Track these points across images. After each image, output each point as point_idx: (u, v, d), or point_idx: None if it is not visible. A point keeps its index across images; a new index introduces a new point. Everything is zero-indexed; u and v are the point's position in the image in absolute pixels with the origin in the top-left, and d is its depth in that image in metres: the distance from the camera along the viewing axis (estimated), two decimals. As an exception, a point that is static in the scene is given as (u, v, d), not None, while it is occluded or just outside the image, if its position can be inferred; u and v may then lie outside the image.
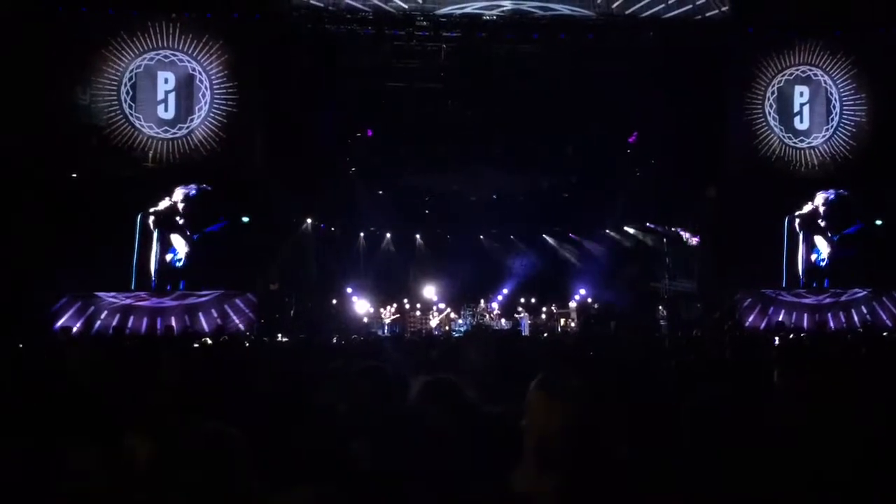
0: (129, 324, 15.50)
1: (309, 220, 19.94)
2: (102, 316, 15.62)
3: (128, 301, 15.88)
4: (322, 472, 2.54)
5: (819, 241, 17.67)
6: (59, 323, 15.14)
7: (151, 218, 15.92)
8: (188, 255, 16.16)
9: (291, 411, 3.24)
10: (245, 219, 16.25)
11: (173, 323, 15.68)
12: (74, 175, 15.73)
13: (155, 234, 15.98)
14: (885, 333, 14.17)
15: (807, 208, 17.58)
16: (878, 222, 17.44)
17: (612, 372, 4.95)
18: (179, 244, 16.17)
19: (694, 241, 19.43)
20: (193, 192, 16.12)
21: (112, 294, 15.85)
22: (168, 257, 16.14)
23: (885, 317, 17.36)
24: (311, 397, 3.66)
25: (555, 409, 2.52)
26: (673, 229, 20.07)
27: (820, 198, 17.58)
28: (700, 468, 2.67)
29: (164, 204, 16.02)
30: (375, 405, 3.12)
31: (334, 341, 14.22)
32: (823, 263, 17.67)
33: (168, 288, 16.16)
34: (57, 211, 15.13)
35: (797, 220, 17.49)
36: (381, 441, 2.52)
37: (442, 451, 2.28)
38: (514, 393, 3.21)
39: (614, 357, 7.41)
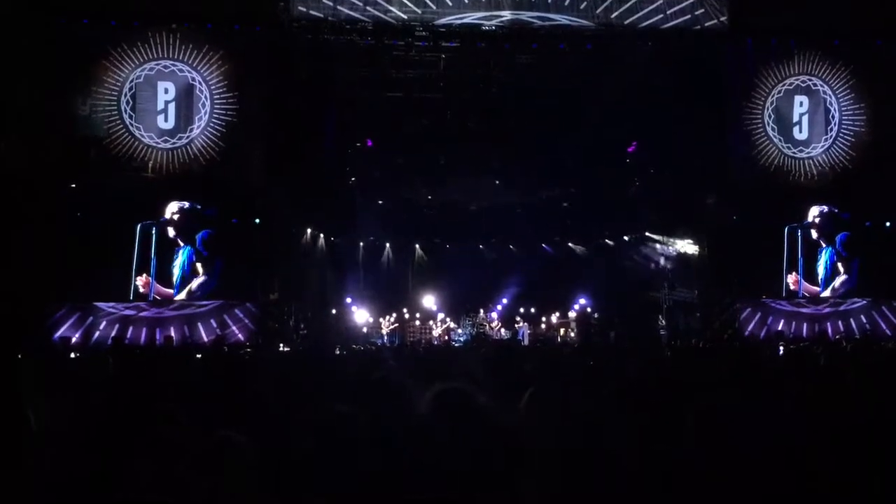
0: (129, 334, 15.42)
1: (309, 230, 19.96)
2: (101, 326, 15.55)
3: (127, 311, 15.84)
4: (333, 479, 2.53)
5: (818, 251, 17.67)
6: (58, 333, 15.11)
7: (152, 229, 15.89)
8: (188, 266, 16.13)
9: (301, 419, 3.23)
10: (257, 220, 16.31)
11: (173, 333, 15.62)
12: (74, 185, 15.75)
13: (154, 245, 15.93)
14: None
15: (805, 219, 17.57)
16: (867, 224, 17.49)
17: (612, 382, 4.95)
18: (178, 255, 16.13)
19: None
20: (187, 206, 16.10)
21: (111, 304, 15.80)
22: (173, 269, 16.10)
23: (884, 326, 17.34)
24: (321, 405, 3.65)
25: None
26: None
27: (814, 210, 17.59)
28: (702, 474, 2.67)
29: (161, 215, 16.01)
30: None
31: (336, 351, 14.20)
32: (822, 273, 17.66)
33: (175, 294, 16.13)
34: (57, 221, 15.17)
35: (797, 231, 17.46)
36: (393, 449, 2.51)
37: (453, 459, 2.28)
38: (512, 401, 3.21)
39: (614, 367, 7.40)
